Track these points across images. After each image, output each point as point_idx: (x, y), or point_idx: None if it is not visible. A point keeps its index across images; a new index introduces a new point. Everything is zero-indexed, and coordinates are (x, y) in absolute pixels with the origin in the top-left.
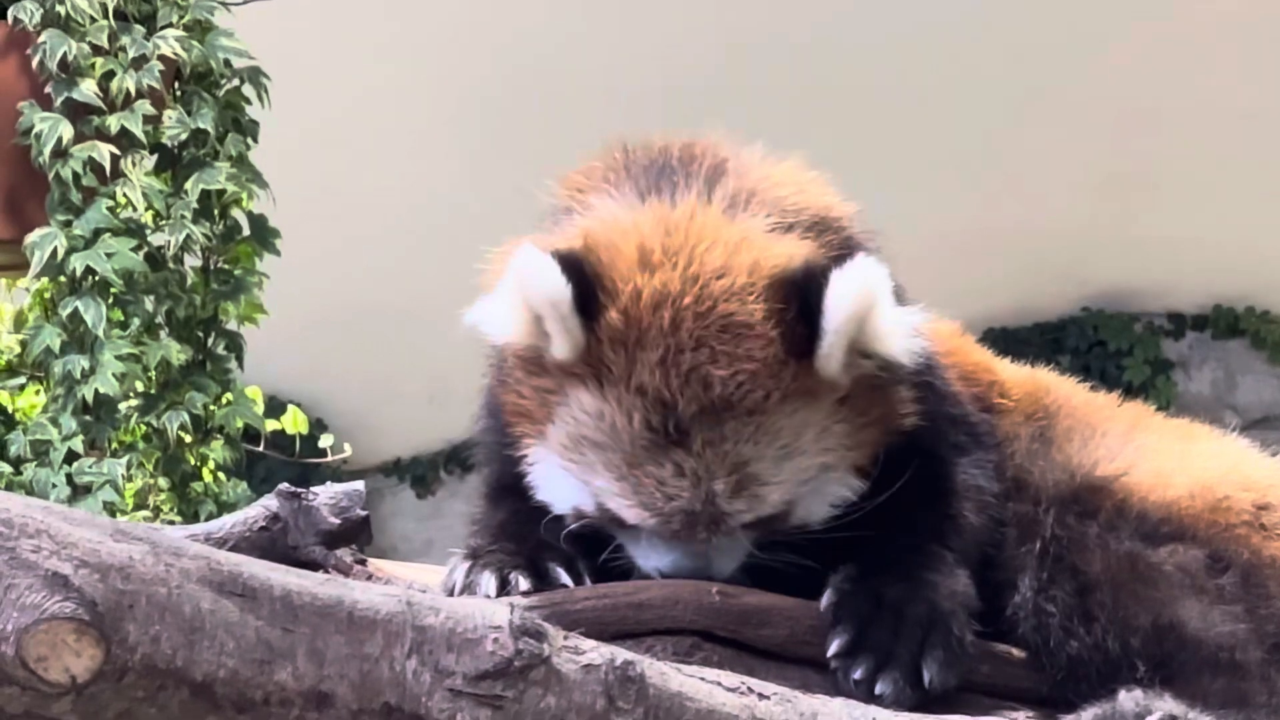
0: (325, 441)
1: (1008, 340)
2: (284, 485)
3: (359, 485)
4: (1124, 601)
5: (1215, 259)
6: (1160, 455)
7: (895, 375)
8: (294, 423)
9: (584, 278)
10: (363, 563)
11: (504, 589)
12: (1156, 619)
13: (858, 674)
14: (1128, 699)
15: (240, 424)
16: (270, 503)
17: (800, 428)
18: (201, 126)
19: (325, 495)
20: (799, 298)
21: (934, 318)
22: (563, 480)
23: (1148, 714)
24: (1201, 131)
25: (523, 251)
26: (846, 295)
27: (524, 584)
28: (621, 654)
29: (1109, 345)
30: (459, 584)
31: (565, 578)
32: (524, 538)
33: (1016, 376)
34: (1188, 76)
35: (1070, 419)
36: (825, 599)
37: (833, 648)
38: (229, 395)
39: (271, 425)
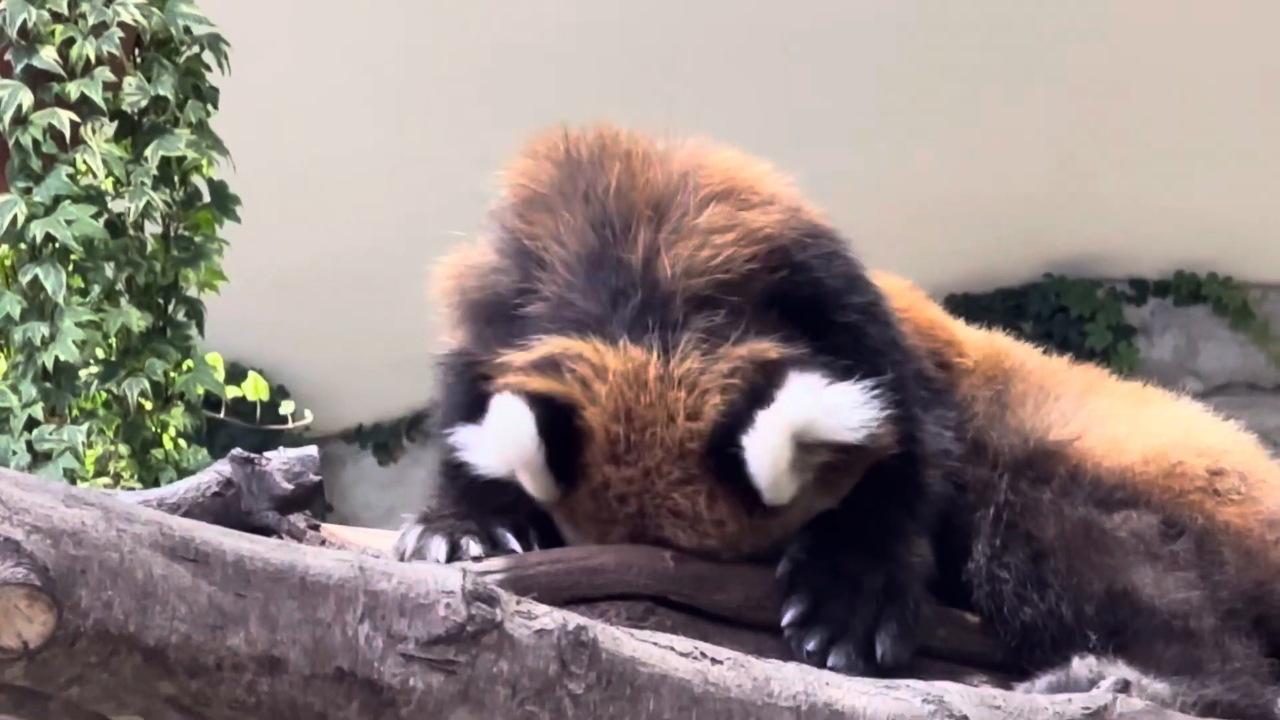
0: (286, 408)
1: (970, 306)
2: (237, 450)
3: (312, 450)
4: (1078, 568)
5: (1177, 225)
6: (1114, 420)
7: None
8: (255, 389)
9: (562, 444)
10: (316, 528)
11: (454, 554)
12: (1110, 586)
13: (810, 645)
14: (1081, 666)
15: (201, 391)
16: (223, 468)
17: (775, 529)
18: (161, 93)
19: (278, 460)
20: (729, 469)
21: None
22: None
23: (1100, 680)
24: (1164, 98)
25: (505, 406)
26: (765, 458)
27: (474, 549)
28: (574, 619)
29: (1071, 311)
30: (410, 548)
31: (514, 544)
32: (481, 502)
33: (973, 337)
34: (1151, 43)
35: (1024, 383)
36: (781, 567)
37: (787, 616)
38: (189, 362)
39: (232, 392)
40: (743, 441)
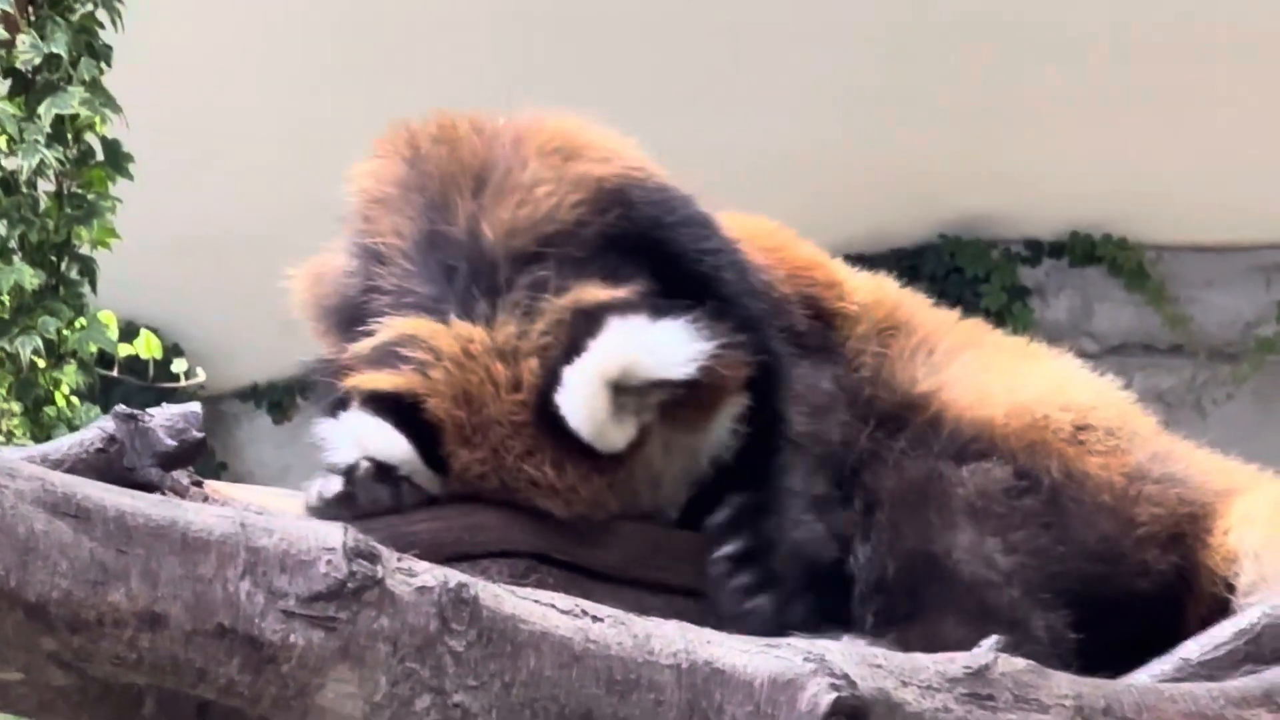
0: (179, 366)
1: (865, 266)
2: (120, 407)
3: (195, 407)
4: (897, 522)
5: (1072, 186)
6: (985, 373)
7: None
8: (148, 347)
9: (427, 439)
10: (199, 484)
11: (350, 478)
12: (918, 545)
13: (742, 580)
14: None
15: (93, 348)
16: (107, 424)
17: (638, 476)
18: (55, 51)
19: (162, 417)
20: (558, 429)
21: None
22: None
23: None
24: (1058, 58)
25: (358, 420)
26: (580, 410)
27: (367, 464)
28: (455, 576)
29: (966, 272)
30: (317, 488)
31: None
32: None
33: (859, 280)
34: (1044, 3)
35: (909, 338)
36: (721, 515)
37: (726, 550)
38: (82, 320)
39: (125, 350)
40: (556, 400)
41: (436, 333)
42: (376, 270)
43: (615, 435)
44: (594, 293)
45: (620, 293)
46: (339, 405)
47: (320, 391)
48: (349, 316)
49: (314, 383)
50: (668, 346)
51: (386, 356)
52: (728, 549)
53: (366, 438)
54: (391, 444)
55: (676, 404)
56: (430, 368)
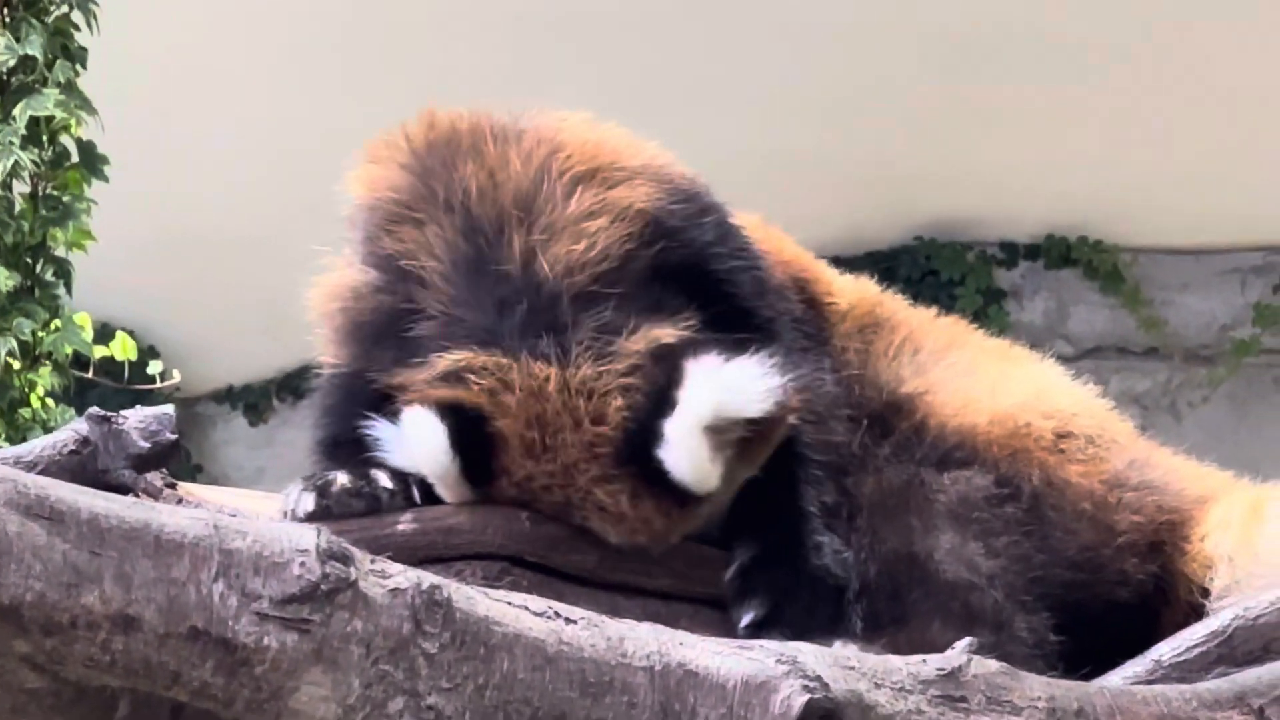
0: (154, 368)
1: (841, 269)
2: (93, 409)
3: (169, 409)
4: (877, 525)
5: (1048, 189)
6: (969, 377)
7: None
8: (123, 349)
9: (475, 449)
10: (173, 486)
11: (324, 494)
12: (901, 548)
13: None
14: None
15: (68, 350)
16: (80, 426)
17: (705, 511)
18: (30, 53)
19: (135, 419)
20: (650, 473)
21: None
22: None
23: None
24: (1034, 61)
25: (416, 418)
26: (684, 462)
27: (342, 479)
28: (428, 578)
29: (941, 274)
30: (291, 503)
31: (384, 480)
32: (352, 457)
33: (840, 279)
34: (1018, 6)
35: (893, 335)
36: (730, 571)
37: (745, 619)
38: (57, 322)
39: (101, 352)
40: (659, 454)
41: (505, 366)
42: (417, 294)
43: (713, 478)
44: (661, 332)
45: (684, 330)
46: (388, 414)
47: (340, 405)
48: (385, 334)
49: (333, 395)
50: (746, 384)
51: (451, 379)
52: (747, 618)
53: (417, 436)
54: (439, 455)
55: (746, 438)
56: (502, 394)
